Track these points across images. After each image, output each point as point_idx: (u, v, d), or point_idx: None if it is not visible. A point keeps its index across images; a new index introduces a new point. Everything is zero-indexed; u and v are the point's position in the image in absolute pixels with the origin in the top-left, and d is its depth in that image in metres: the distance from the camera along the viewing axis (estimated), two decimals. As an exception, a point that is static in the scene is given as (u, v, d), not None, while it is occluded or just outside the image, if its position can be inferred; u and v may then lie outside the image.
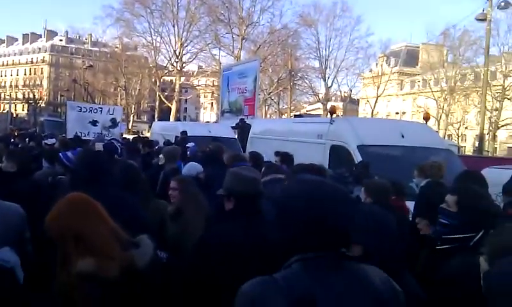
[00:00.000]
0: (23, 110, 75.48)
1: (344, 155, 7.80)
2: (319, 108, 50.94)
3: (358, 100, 63.90)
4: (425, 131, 8.75)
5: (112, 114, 12.33)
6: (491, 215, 2.61)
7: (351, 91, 53.22)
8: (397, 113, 60.38)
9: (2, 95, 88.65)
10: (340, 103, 56.90)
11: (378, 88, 50.81)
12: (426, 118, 9.22)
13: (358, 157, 7.40)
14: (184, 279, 2.61)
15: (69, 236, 2.23)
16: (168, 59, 48.43)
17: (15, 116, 48.16)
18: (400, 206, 4.50)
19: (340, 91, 54.35)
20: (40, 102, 71.57)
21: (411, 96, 60.51)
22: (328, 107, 12.89)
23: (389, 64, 58.96)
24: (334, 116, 9.07)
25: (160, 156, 6.22)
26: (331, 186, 1.65)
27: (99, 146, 6.91)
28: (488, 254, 2.07)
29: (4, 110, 62.68)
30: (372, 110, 50.44)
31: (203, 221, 3.37)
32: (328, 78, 48.08)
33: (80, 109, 12.19)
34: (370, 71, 55.53)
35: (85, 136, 10.95)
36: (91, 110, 12.18)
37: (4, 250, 1.71)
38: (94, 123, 11.45)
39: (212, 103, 66.84)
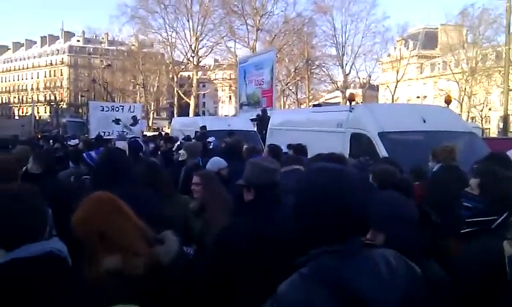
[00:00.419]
0: (45, 112, 76.95)
1: (365, 142, 7.72)
2: (337, 96, 50.47)
3: (378, 85, 63.14)
4: (447, 115, 8.59)
5: (132, 111, 12.50)
6: None
7: (370, 77, 52.55)
8: (418, 97, 59.50)
9: (24, 98, 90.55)
10: (359, 90, 56.32)
11: (397, 73, 50.07)
12: (448, 101, 9.06)
13: (379, 145, 7.31)
14: (205, 279, 2.62)
15: (95, 235, 2.27)
16: (184, 54, 48.72)
17: (37, 118, 49.00)
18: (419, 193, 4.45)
19: (359, 78, 53.77)
20: (61, 103, 72.79)
21: (431, 80, 59.50)
22: (347, 94, 12.78)
23: (407, 48, 57.98)
24: (353, 103, 8.97)
25: (182, 152, 6.25)
26: (350, 174, 1.63)
27: (121, 145, 7.01)
28: None
29: (27, 113, 63.92)
30: (393, 96, 49.76)
31: (227, 216, 3.39)
32: (346, 65, 47.66)
33: (103, 109, 12.38)
34: (389, 55, 54.72)
35: (108, 135, 11.10)
36: (113, 109, 12.37)
37: (54, 240, 1.81)
38: (117, 121, 11.62)
39: (230, 96, 66.91)
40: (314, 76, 48.86)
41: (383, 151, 7.04)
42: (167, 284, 2.36)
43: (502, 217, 2.48)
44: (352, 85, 51.53)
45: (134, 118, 12.25)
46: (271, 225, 2.50)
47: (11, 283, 1.67)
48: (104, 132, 11.10)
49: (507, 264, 1.86)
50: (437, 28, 59.20)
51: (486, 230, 2.52)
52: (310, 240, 1.55)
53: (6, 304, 1.64)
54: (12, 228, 1.78)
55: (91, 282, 2.04)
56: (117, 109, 12.44)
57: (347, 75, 47.97)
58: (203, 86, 63.96)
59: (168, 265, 2.35)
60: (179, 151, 6.09)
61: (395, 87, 49.90)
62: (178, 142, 8.43)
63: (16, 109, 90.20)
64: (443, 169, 4.84)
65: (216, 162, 4.98)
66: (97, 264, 2.25)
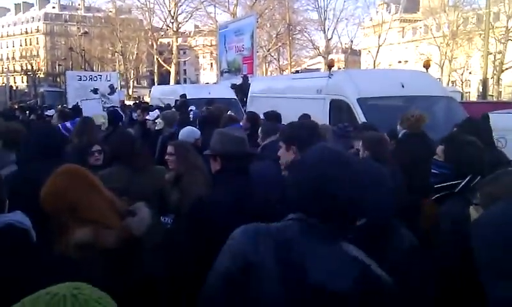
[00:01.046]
0: (22, 82, 75.12)
1: (344, 108, 7.73)
2: (319, 62, 50.19)
3: (360, 50, 62.93)
4: (425, 79, 8.61)
5: (109, 80, 12.26)
6: (479, 161, 2.63)
7: (352, 42, 52.26)
8: (399, 62, 59.53)
9: (0, 68, 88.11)
10: (342, 55, 56.10)
11: (379, 37, 49.88)
12: (426, 65, 9.07)
13: (358, 110, 7.33)
14: (181, 252, 2.63)
15: (64, 207, 2.25)
16: (163, 20, 47.58)
17: (14, 88, 47.85)
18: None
19: (341, 43, 53.49)
20: (39, 72, 71.08)
21: (413, 44, 59.49)
22: (329, 60, 12.72)
23: (389, 12, 57.66)
24: (333, 69, 8.93)
25: (158, 121, 6.18)
26: (354, 163, 1.66)
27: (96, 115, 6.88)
28: (480, 202, 2.08)
29: (3, 83, 62.39)
30: (374, 61, 49.70)
31: (202, 186, 3.38)
32: (328, 30, 47.12)
33: (80, 78, 12.13)
34: (371, 20, 54.40)
35: None
36: (91, 78, 12.13)
37: (17, 213, 1.79)
38: (95, 91, 11.40)
39: (212, 63, 66.01)
40: (296, 42, 48.34)
41: (361, 117, 7.06)
42: (139, 256, 2.36)
43: (465, 181, 2.56)
44: (334, 50, 51.25)
45: (111, 87, 12.02)
46: (236, 196, 2.50)
47: None
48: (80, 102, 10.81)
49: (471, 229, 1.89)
50: (419, -9, 58.88)
51: (451, 194, 2.59)
52: (292, 207, 1.62)
53: None
54: None
55: (60, 255, 2.02)
56: (95, 78, 12.20)
57: (329, 40, 47.57)
58: (184, 53, 62.93)
59: (140, 236, 2.34)
60: (155, 121, 6.00)
61: (377, 52, 49.76)
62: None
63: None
64: (407, 136, 4.91)
65: (190, 132, 4.91)
66: (67, 238, 2.23)
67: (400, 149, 4.62)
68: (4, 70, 74.98)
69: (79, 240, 2.18)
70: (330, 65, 8.99)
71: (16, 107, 17.12)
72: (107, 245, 2.17)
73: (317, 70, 29.65)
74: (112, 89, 12.10)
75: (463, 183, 2.57)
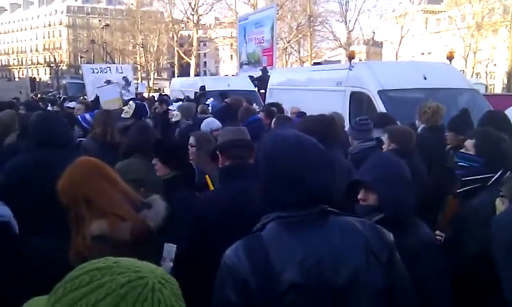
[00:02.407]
0: (45, 74, 76.41)
1: (365, 101, 7.64)
2: (340, 53, 49.66)
3: (382, 42, 62.06)
4: (448, 71, 8.44)
5: (121, 72, 12.23)
6: (511, 156, 2.63)
7: (374, 33, 51.51)
8: (422, 54, 58.53)
9: (24, 60, 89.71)
10: (363, 47, 55.38)
11: (402, 29, 49.08)
12: (450, 57, 8.89)
13: (379, 103, 7.23)
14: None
15: (80, 200, 2.26)
16: (184, 12, 47.68)
17: (38, 80, 48.65)
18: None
19: (363, 35, 52.74)
20: (61, 64, 72.14)
21: (436, 35, 58.36)
22: (349, 51, 12.55)
23: (413, 3, 56.64)
24: (353, 61, 8.82)
25: (176, 112, 6.18)
26: (308, 143, 1.62)
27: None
28: (506, 194, 2.05)
29: (23, 75, 63.45)
30: (397, 52, 48.97)
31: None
32: (349, 21, 46.49)
33: (93, 71, 12.15)
34: (393, 11, 53.54)
35: None
36: (101, 71, 12.12)
37: None
38: (108, 82, 11.32)
39: (232, 55, 65.97)
40: (317, 33, 47.86)
41: (382, 109, 6.97)
42: (154, 248, 2.36)
43: (497, 174, 2.56)
44: (356, 42, 50.64)
45: (126, 79, 12.00)
46: (239, 195, 2.48)
47: None
48: None
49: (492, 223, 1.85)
50: (443, -19, 57.71)
51: (483, 187, 2.59)
52: (270, 207, 1.58)
53: None
54: None
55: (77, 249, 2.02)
56: (105, 71, 12.18)
57: (350, 31, 47.01)
58: (204, 45, 63.04)
59: (155, 228, 2.34)
60: (173, 112, 6.00)
61: (400, 43, 48.98)
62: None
63: (16, 71, 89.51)
64: (426, 131, 4.77)
65: (209, 123, 4.93)
66: (84, 230, 2.25)
67: (419, 145, 4.51)
68: (29, 62, 76.37)
69: (95, 232, 2.19)
70: (351, 57, 8.89)
71: (38, 98, 17.40)
72: (123, 237, 2.18)
73: (338, 61, 29.34)
74: (127, 82, 12.08)
75: (495, 177, 2.57)
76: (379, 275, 1.50)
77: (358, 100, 7.86)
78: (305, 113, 6.39)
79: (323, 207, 1.56)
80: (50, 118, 3.93)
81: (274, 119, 4.42)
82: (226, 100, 7.74)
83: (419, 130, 4.83)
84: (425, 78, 7.63)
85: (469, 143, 2.79)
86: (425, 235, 2.16)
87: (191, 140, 3.91)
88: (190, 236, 2.56)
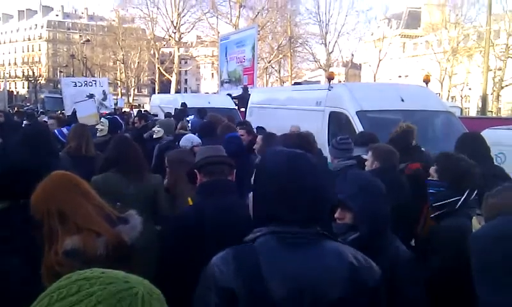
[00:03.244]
0: (23, 87, 75.27)
1: (344, 121, 7.71)
2: (320, 74, 50.35)
3: (360, 64, 63.19)
4: (425, 94, 8.61)
5: (102, 86, 12.13)
6: (472, 176, 2.73)
7: (353, 55, 52.54)
8: (399, 76, 59.76)
9: (1, 73, 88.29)
10: (342, 69, 56.33)
11: (380, 52, 50.13)
12: (426, 80, 9.07)
13: (357, 123, 7.30)
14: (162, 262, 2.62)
15: (53, 214, 2.21)
16: (166, 30, 47.83)
17: (15, 94, 47.92)
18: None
19: (342, 57, 53.73)
20: (40, 78, 71.22)
21: (413, 59, 59.75)
22: (328, 72, 12.75)
23: (391, 27, 58.03)
24: (332, 82, 8.93)
25: (157, 129, 6.16)
26: (305, 158, 1.63)
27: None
28: (483, 214, 2.11)
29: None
30: (375, 75, 49.90)
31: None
32: (329, 43, 47.33)
33: (76, 84, 11.93)
34: (372, 34, 54.66)
35: None
36: (86, 84, 11.95)
37: None
38: (91, 96, 11.14)
39: (213, 74, 66.29)
40: (297, 54, 48.55)
41: (360, 130, 7.03)
42: (130, 263, 2.31)
43: (464, 196, 2.64)
44: (335, 63, 51.45)
45: (104, 92, 11.88)
46: (217, 209, 2.49)
47: None
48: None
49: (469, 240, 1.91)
50: (420, 8, 59.26)
51: (451, 212, 2.66)
52: (261, 219, 1.57)
53: None
54: None
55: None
56: (90, 84, 12.01)
57: (330, 53, 47.81)
58: (185, 62, 63.18)
59: (131, 244, 2.30)
60: (153, 128, 5.98)
61: (378, 66, 50.01)
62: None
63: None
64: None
65: (189, 138, 4.96)
66: (57, 246, 2.19)
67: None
68: (7, 75, 75.22)
69: (68, 247, 2.14)
70: (330, 77, 8.99)
71: (15, 111, 17.11)
72: (97, 252, 2.13)
73: (318, 82, 29.73)
74: (105, 96, 11.97)
75: (462, 199, 2.64)
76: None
77: (337, 120, 7.93)
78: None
79: (318, 229, 1.55)
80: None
81: (261, 136, 4.44)
82: (204, 117, 7.76)
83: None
84: (402, 100, 7.76)
85: (432, 170, 2.91)
86: (401, 252, 2.18)
87: (166, 161, 3.92)
88: (170, 247, 2.54)
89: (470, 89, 48.95)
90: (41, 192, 2.27)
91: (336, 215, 2.21)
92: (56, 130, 5.80)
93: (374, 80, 46.83)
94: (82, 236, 2.16)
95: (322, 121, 8.06)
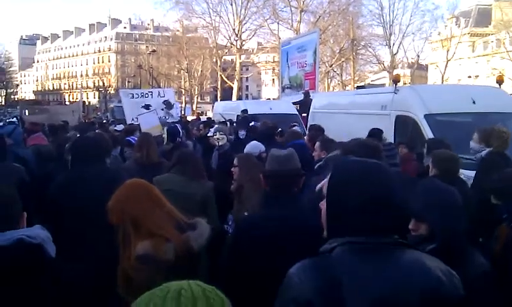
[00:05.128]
0: (94, 98, 79.48)
1: (411, 125, 7.46)
2: (384, 77, 49.14)
3: (427, 65, 60.94)
4: (498, 95, 8.13)
5: (163, 96, 12.36)
6: None
7: (419, 56, 50.64)
8: (469, 77, 57.02)
9: (74, 85, 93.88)
10: (408, 70, 54.59)
11: (448, 52, 48.06)
12: (500, 80, 8.59)
13: (425, 127, 7.05)
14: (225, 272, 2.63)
15: (127, 220, 2.30)
16: (228, 38, 48.68)
17: (87, 104, 50.62)
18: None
19: (407, 58, 52.02)
20: (109, 89, 74.82)
21: (484, 58, 56.75)
22: (394, 75, 12.36)
23: (459, 26, 55.48)
24: (399, 84, 8.67)
25: (220, 135, 6.28)
26: (384, 168, 1.58)
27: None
28: None
29: (76, 99, 65.95)
30: (442, 76, 47.89)
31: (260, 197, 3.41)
32: (393, 44, 46.09)
33: (133, 96, 12.26)
34: (439, 34, 52.56)
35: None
36: (142, 95, 12.23)
37: (35, 228, 1.78)
38: (147, 107, 11.43)
39: (274, 79, 66.57)
40: (360, 57, 47.68)
41: (429, 134, 6.80)
42: (196, 269, 2.36)
43: None
44: (400, 65, 49.98)
45: (167, 102, 12.10)
46: (285, 216, 2.49)
47: None
48: (136, 118, 10.90)
49: None
50: (490, 5, 56.26)
51: None
52: (337, 230, 1.51)
53: None
54: None
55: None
56: (146, 95, 12.25)
57: (394, 55, 46.50)
58: (247, 69, 63.92)
59: (198, 250, 2.34)
60: (215, 136, 6.10)
61: (445, 66, 47.91)
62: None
63: (67, 94, 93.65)
64: (494, 155, 4.54)
65: (257, 146, 5.06)
66: (130, 250, 2.28)
67: (486, 170, 4.25)
68: (79, 86, 79.64)
69: (140, 252, 2.21)
70: (396, 80, 8.73)
71: (88, 121, 18.07)
72: (166, 258, 2.20)
73: (382, 85, 28.99)
74: (169, 105, 12.19)
75: None
76: None
77: (404, 124, 7.68)
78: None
79: (397, 238, 1.49)
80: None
81: (318, 143, 4.39)
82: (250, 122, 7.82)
83: (483, 154, 4.62)
84: (474, 102, 7.38)
85: None
86: (480, 264, 2.05)
87: (235, 160, 4.00)
88: (229, 257, 2.58)
89: (547, 88, 45.83)
90: (116, 198, 2.37)
91: (410, 226, 2.12)
92: (127, 138, 6.10)
93: (442, 82, 45.03)
94: (153, 242, 2.24)
95: (387, 125, 7.82)
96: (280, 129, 7.21)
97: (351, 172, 1.54)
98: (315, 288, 1.38)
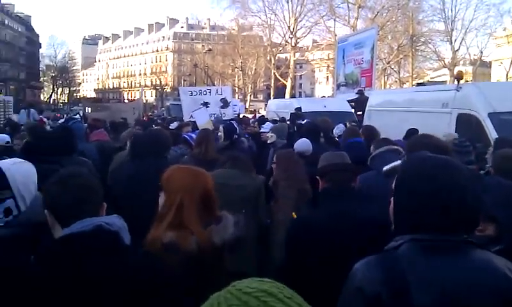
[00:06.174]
0: (151, 96, 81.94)
1: (474, 124, 7.10)
2: (444, 74, 47.18)
3: (490, 62, 58.06)
4: None
5: (220, 94, 12.43)
6: None
7: (482, 53, 48.30)
8: (537, 74, 53.80)
9: (133, 83, 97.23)
10: (469, 67, 52.17)
11: (514, 48, 45.51)
12: (459, 76, 8.12)
13: (489, 126, 6.69)
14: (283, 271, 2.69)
15: (173, 203, 2.35)
16: (283, 35, 48.68)
17: (145, 102, 52.27)
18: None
19: (469, 54, 49.68)
20: (166, 87, 76.91)
21: (554, 54, 53.31)
22: (455, 72, 11.81)
23: (527, 20, 52.37)
24: (461, 82, 8.28)
25: (270, 134, 6.26)
26: (455, 165, 1.51)
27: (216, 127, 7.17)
28: None
29: (135, 97, 68.10)
30: (507, 73, 45.42)
31: (295, 195, 3.60)
32: (455, 40, 44.24)
33: (191, 93, 12.47)
34: (504, 29, 49.89)
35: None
36: (201, 93, 12.38)
37: (112, 217, 1.86)
38: (205, 104, 11.59)
39: (328, 77, 65.85)
40: (419, 53, 46.09)
41: (493, 134, 6.45)
42: (222, 260, 2.37)
43: None
44: (461, 62, 47.90)
45: (224, 100, 12.19)
46: (336, 216, 2.48)
47: (67, 257, 1.69)
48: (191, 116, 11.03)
49: None
50: (563, -4, 52.77)
51: None
52: (404, 226, 1.48)
53: (62, 277, 1.66)
54: (66, 205, 1.79)
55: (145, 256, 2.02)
56: (205, 93, 12.39)
57: (456, 51, 44.61)
58: (300, 67, 63.56)
59: (220, 244, 2.32)
60: (267, 134, 6.09)
61: (511, 63, 45.39)
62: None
63: (126, 93, 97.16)
64: None
65: (301, 144, 5.00)
66: (158, 234, 2.30)
67: None
68: (137, 84, 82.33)
69: (166, 241, 2.23)
70: (458, 77, 8.36)
71: (146, 119, 18.60)
72: (189, 250, 2.21)
73: (443, 82, 27.91)
74: (226, 103, 12.28)
75: None
76: None
77: (466, 123, 7.32)
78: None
79: (466, 237, 1.43)
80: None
81: (373, 143, 4.25)
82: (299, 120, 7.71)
83: None
84: (540, 101, 6.92)
85: None
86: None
87: (274, 157, 4.16)
88: (289, 255, 2.64)
89: None
90: (174, 175, 2.46)
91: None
92: (184, 135, 6.21)
93: (507, 79, 42.71)
94: (179, 233, 2.26)
95: (448, 124, 7.50)
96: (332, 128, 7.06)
97: (422, 167, 1.49)
98: (382, 283, 1.36)
